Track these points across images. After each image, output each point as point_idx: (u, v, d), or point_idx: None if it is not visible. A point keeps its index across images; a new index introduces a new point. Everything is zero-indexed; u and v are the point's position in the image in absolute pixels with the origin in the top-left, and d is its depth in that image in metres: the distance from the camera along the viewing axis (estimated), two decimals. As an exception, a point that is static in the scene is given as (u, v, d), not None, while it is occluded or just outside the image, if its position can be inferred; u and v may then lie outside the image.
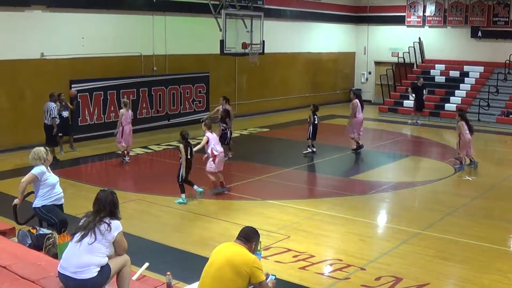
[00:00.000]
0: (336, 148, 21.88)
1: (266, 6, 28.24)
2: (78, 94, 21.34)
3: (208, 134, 14.82)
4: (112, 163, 19.06)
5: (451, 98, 30.12)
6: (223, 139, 18.45)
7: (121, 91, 22.90)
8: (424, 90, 28.86)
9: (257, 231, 7.13)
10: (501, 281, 10.12)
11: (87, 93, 21.88)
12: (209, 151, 14.88)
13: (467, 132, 18.77)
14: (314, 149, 20.77)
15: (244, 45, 23.86)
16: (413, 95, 28.69)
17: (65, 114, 19.89)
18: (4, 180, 16.09)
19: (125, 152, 18.94)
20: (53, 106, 18.53)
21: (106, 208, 7.07)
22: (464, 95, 30.45)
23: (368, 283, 9.88)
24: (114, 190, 7.45)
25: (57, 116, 18.61)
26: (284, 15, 30.93)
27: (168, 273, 7.83)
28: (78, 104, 21.35)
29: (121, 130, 18.70)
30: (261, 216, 13.54)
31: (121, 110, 18.96)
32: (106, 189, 7.39)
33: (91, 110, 22.20)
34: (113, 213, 7.12)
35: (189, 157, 14.41)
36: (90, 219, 7.01)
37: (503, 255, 11.60)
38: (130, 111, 19.07)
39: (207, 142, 14.75)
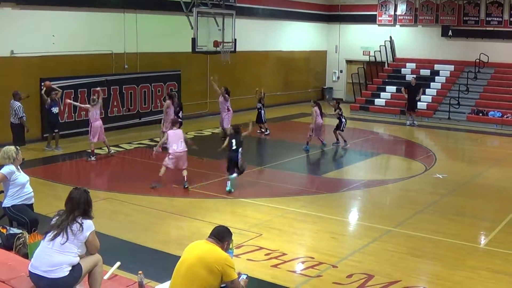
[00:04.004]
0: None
1: (238, 4, 28.22)
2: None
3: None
4: (83, 161, 18.91)
5: (422, 96, 30.29)
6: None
7: (91, 89, 22.69)
8: (419, 91, 28.61)
9: (229, 230, 7.11)
10: (472, 278, 10.22)
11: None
12: None
13: (319, 117, 21.14)
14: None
15: (216, 43, 23.84)
16: (406, 95, 28.62)
17: (55, 110, 20.05)
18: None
19: (93, 151, 18.96)
20: (17, 105, 18.40)
21: (80, 207, 6.99)
22: (435, 94, 30.66)
23: (340, 280, 9.91)
24: (86, 188, 7.37)
25: (24, 115, 18.48)
26: (256, 13, 30.95)
27: (140, 272, 7.78)
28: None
29: (90, 127, 18.78)
30: (233, 214, 13.56)
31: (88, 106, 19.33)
32: (79, 187, 7.31)
33: (61, 108, 21.95)
34: (87, 212, 7.05)
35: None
36: (63, 218, 6.92)
37: (474, 252, 11.72)
38: (96, 109, 19.03)
39: None
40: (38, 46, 21.26)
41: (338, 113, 21.87)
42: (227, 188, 15.31)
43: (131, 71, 24.91)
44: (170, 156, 15.42)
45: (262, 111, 24.22)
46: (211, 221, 12.46)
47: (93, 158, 18.76)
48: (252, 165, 18.61)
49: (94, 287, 7.13)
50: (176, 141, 15.47)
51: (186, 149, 15.63)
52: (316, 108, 21.19)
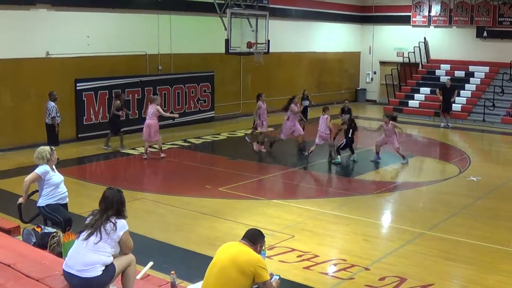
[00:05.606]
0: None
1: (271, 6, 28.19)
2: (84, 93, 21.50)
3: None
4: (117, 162, 19.06)
5: (456, 98, 30.02)
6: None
7: (126, 90, 22.90)
8: (454, 92, 28.42)
9: (262, 233, 7.10)
10: (505, 282, 10.10)
11: (92, 92, 21.90)
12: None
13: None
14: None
15: (249, 45, 23.87)
16: (441, 96, 28.45)
17: (121, 113, 20.60)
18: (9, 178, 16.07)
19: (161, 147, 19.62)
20: (52, 105, 18.55)
21: (114, 206, 7.02)
22: (469, 95, 30.39)
23: (372, 283, 9.87)
24: (120, 188, 7.42)
25: (57, 116, 18.58)
26: (289, 15, 30.94)
27: (173, 272, 7.82)
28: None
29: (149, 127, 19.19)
30: (265, 216, 13.54)
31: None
32: (112, 187, 7.35)
33: (96, 109, 22.20)
34: (120, 212, 7.08)
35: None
36: (97, 218, 6.97)
37: (508, 256, 11.57)
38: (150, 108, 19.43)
39: None
40: (73, 47, 21.51)
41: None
42: (337, 160, 19.46)
43: (165, 72, 25.06)
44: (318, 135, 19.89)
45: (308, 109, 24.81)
46: (244, 222, 12.51)
47: (162, 155, 19.33)
48: (285, 166, 18.62)
49: (127, 286, 7.17)
50: (321, 124, 19.79)
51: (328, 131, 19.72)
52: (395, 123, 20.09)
